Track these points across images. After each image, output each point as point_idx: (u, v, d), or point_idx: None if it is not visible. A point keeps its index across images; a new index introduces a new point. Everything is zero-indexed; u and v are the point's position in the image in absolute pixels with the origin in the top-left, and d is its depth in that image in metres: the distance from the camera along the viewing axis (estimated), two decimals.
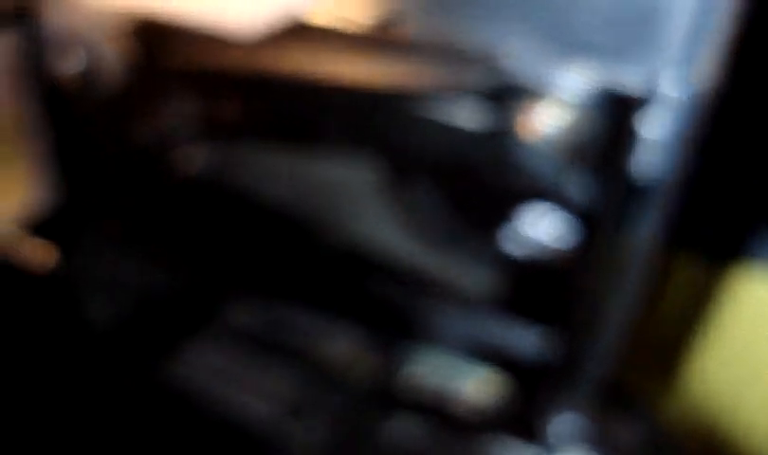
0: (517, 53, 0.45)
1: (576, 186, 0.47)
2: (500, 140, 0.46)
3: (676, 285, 0.74)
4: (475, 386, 0.70)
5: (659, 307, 0.76)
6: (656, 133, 0.45)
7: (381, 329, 0.73)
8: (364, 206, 0.58)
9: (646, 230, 0.49)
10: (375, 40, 0.50)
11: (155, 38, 0.56)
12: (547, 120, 0.43)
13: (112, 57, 0.55)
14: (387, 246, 0.60)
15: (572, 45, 0.44)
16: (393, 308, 0.68)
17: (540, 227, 0.52)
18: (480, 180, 0.50)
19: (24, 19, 0.56)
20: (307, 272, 0.72)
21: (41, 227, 0.64)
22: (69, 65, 0.57)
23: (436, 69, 0.48)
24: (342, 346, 0.76)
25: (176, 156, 0.65)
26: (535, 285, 0.57)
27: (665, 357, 0.80)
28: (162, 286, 0.83)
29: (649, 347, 0.79)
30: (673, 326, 0.77)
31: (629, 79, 0.43)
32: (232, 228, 0.73)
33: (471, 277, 0.59)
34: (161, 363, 0.81)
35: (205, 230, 0.76)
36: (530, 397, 0.65)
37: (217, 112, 0.62)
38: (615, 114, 0.44)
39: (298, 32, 0.50)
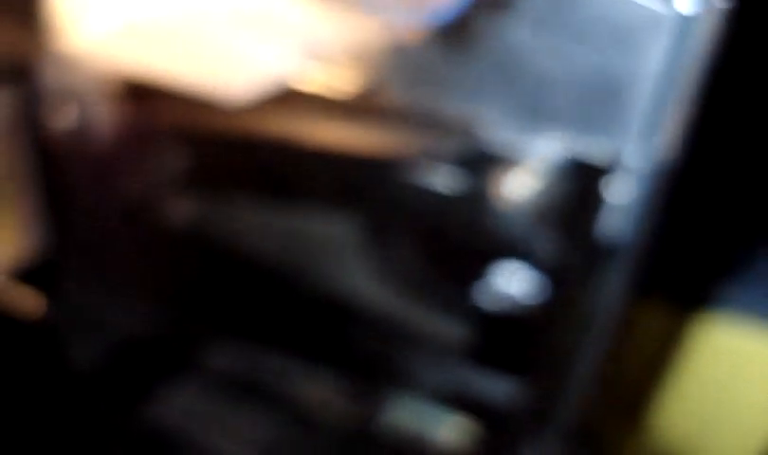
0: (491, 124, 0.48)
1: (546, 246, 0.50)
2: (473, 204, 0.49)
3: (643, 331, 0.77)
4: (448, 432, 0.72)
5: (626, 353, 0.79)
6: (620, 198, 0.48)
7: (358, 375, 0.76)
8: (343, 259, 0.61)
9: (611, 289, 0.52)
10: (357, 107, 0.53)
11: (146, 98, 0.58)
12: (518, 187, 0.46)
13: (103, 114, 0.57)
14: (364, 297, 0.63)
15: (542, 117, 0.47)
16: (370, 355, 0.70)
17: (511, 284, 0.55)
18: (454, 240, 0.53)
19: (20, 76, 0.58)
20: (286, 319, 0.74)
21: (29, 275, 0.65)
22: (62, 121, 0.59)
23: (414, 136, 0.51)
24: (319, 391, 0.78)
25: (162, 209, 0.67)
26: (505, 337, 0.59)
27: (632, 402, 0.83)
28: (144, 331, 0.85)
29: (617, 392, 0.82)
30: (640, 371, 0.80)
31: (595, 149, 0.46)
32: (215, 277, 0.75)
33: (445, 328, 0.61)
34: (142, 406, 0.83)
35: (188, 279, 0.78)
36: (501, 444, 0.68)
37: (203, 170, 0.64)
38: (582, 181, 0.47)
39: (284, 98, 0.52)
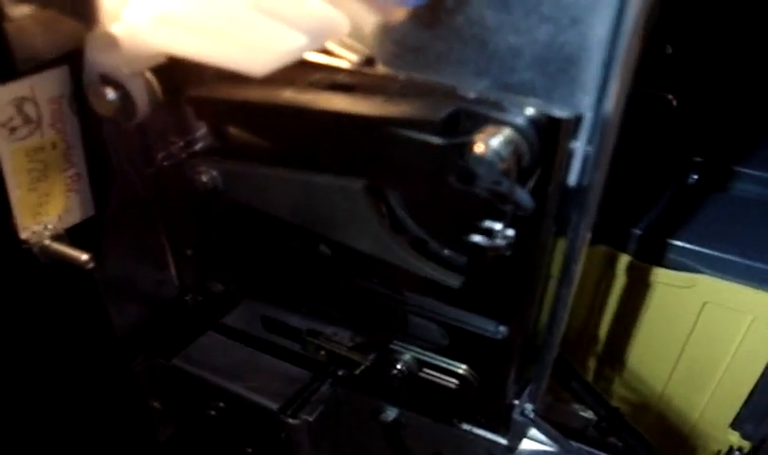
0: (473, 90, 0.57)
1: (519, 191, 0.59)
2: (459, 154, 0.58)
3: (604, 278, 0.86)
4: (447, 373, 0.81)
5: (594, 299, 0.88)
6: (580, 147, 0.57)
7: (365, 325, 0.85)
8: (353, 213, 0.70)
9: (577, 226, 0.61)
10: (360, 74, 0.62)
11: (178, 74, 0.68)
12: (494, 139, 0.56)
13: (142, 90, 0.67)
14: (367, 246, 0.72)
15: (515, 84, 0.56)
16: (378, 306, 0.79)
17: (493, 227, 0.64)
18: (445, 189, 0.62)
19: (71, 56, 0.67)
20: (301, 275, 0.84)
21: (78, 234, 0.74)
22: (106, 96, 0.68)
23: (408, 101, 0.60)
24: (333, 340, 0.87)
25: (192, 174, 0.76)
26: (488, 278, 0.68)
27: (602, 342, 0.92)
28: (174, 290, 0.95)
29: (589, 333, 0.91)
30: (605, 315, 0.89)
31: (558, 107, 0.56)
32: (236, 234, 0.85)
33: (436, 271, 0.71)
34: (173, 356, 0.92)
35: (213, 237, 0.88)
36: (492, 382, 0.77)
37: (228, 133, 0.74)
38: (549, 133, 0.56)
39: (298, 67, 0.62)
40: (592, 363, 0.92)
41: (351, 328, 0.85)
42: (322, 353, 0.86)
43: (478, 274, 0.68)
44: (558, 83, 0.55)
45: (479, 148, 0.55)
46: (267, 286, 0.89)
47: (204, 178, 0.75)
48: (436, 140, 0.58)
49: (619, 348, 0.89)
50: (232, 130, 0.73)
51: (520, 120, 0.55)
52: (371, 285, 0.77)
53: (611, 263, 0.83)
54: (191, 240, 0.90)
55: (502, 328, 0.72)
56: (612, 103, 0.54)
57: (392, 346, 0.82)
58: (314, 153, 0.67)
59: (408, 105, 0.59)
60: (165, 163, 0.78)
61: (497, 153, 0.54)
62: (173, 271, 0.92)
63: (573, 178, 0.58)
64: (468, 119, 0.57)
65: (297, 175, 0.70)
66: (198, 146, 0.76)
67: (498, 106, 0.56)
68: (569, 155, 0.57)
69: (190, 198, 0.79)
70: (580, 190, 0.59)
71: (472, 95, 0.57)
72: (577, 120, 0.55)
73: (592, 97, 0.54)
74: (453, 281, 0.69)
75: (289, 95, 0.64)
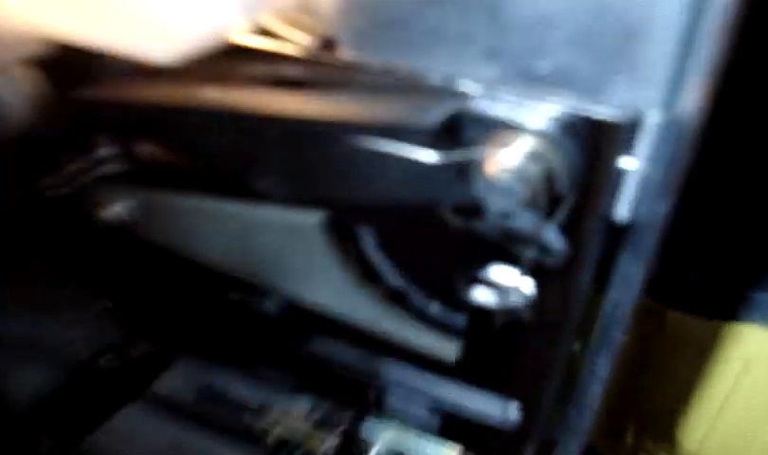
0: (479, 82, 0.39)
1: (546, 229, 0.41)
2: (459, 176, 0.40)
3: (667, 343, 0.68)
4: None
5: (652, 368, 0.70)
6: (638, 165, 0.39)
7: (333, 399, 0.66)
8: (308, 258, 0.51)
9: (627, 278, 0.43)
10: (315, 64, 0.44)
11: (68, 66, 0.49)
12: (513, 153, 0.37)
13: (13, 88, 0.48)
14: (327, 301, 0.54)
15: (542, 72, 0.38)
16: (345, 376, 0.61)
17: (504, 278, 0.46)
18: (437, 224, 0.44)
19: None
20: (245, 334, 0.65)
21: None
22: None
23: (385, 99, 0.42)
24: (289, 418, 0.69)
25: (92, 206, 0.57)
26: (498, 346, 0.50)
27: (663, 417, 0.74)
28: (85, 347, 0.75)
29: (647, 406, 0.73)
30: (666, 388, 0.71)
31: (606, 105, 0.38)
32: (157, 283, 0.65)
33: (425, 337, 0.52)
34: (84, 437, 0.73)
35: (131, 285, 0.68)
36: None
37: (139, 151, 0.55)
38: (591, 144, 0.38)
39: (226, 56, 0.43)
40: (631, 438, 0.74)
41: (310, 401, 0.66)
42: (273, 433, 0.68)
43: (482, 342, 0.50)
44: (609, 70, 0.37)
45: (492, 167, 0.37)
46: (202, 348, 0.70)
47: (107, 212, 0.56)
48: (427, 156, 0.40)
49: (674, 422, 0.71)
50: (143, 146, 0.54)
51: (550, 126, 0.37)
52: (334, 351, 0.58)
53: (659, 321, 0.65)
54: (102, 288, 0.70)
55: (511, 412, 0.53)
56: (690, 102, 0.36)
57: (362, 425, 0.63)
58: (254, 175, 0.48)
59: (384, 106, 0.41)
60: (58, 190, 0.58)
61: (519, 174, 0.36)
62: (82, 328, 0.72)
63: (623, 211, 0.40)
64: (473, 126, 0.39)
65: (231, 208, 0.52)
66: (101, 169, 0.57)
67: (517, 106, 0.38)
68: (618, 177, 0.39)
69: (95, 235, 0.60)
70: (633, 228, 0.41)
71: (478, 89, 0.38)
72: (634, 126, 0.37)
73: (659, 92, 0.36)
74: (446, 351, 0.51)
75: (218, 95, 0.45)
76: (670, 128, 0.37)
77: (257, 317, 0.62)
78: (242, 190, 0.50)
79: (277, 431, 0.68)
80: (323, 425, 0.66)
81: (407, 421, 0.61)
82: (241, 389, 0.71)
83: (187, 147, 0.50)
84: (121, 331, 0.74)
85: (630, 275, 0.43)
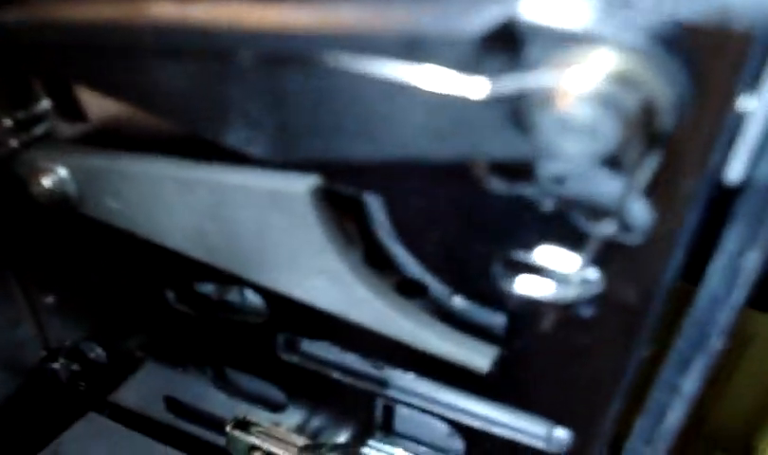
0: None
1: (627, 191, 0.29)
2: (510, 114, 0.28)
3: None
4: None
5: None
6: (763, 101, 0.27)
7: (322, 414, 0.54)
8: (296, 238, 0.39)
9: (733, 264, 0.31)
10: None
11: None
12: (594, 75, 0.25)
13: None
14: (331, 300, 0.42)
15: None
16: (346, 386, 0.49)
17: (559, 262, 0.34)
18: (469, 188, 0.32)
19: None
20: (220, 335, 0.52)
21: None
22: None
23: (410, 4, 0.30)
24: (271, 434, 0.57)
25: (27, 175, 0.45)
26: (546, 354, 0.38)
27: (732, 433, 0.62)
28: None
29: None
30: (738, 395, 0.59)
31: (721, 7, 0.25)
32: (109, 274, 0.53)
33: (446, 341, 0.40)
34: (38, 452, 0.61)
35: (82, 276, 0.56)
36: None
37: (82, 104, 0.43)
38: (705, 63, 0.26)
39: None
40: None
41: (300, 417, 0.54)
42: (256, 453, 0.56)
43: (524, 349, 0.38)
44: None
45: (564, 97, 0.24)
46: (170, 352, 0.57)
47: (45, 182, 0.44)
48: (468, 86, 0.28)
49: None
50: (82, 90, 0.41)
51: (646, 38, 0.25)
52: (331, 354, 0.46)
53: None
54: (49, 281, 0.58)
55: (557, 441, 0.41)
56: None
57: (366, 447, 0.52)
58: (224, 125, 0.36)
59: (400, 9, 0.29)
60: None
61: (607, 102, 0.24)
62: (32, 328, 0.63)
63: (737, 169, 0.28)
64: (536, 37, 0.27)
65: (196, 173, 0.40)
66: (38, 128, 0.45)
67: (597, 8, 0.26)
68: (737, 120, 0.27)
69: (34, 214, 0.48)
70: (749, 193, 0.29)
71: None
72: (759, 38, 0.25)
73: None
74: (478, 359, 0.39)
75: (172, 7, 0.33)
76: None
77: (234, 314, 0.50)
78: (210, 152, 0.38)
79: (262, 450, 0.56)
80: (318, 444, 0.54)
81: (419, 445, 0.50)
82: (216, 401, 0.59)
83: (135, 87, 0.37)
84: (74, 331, 0.62)
85: (740, 259, 0.31)
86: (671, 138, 0.28)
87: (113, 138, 0.44)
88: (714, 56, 0.26)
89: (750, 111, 0.27)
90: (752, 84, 0.27)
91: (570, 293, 0.34)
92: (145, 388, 0.63)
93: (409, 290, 0.41)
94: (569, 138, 0.26)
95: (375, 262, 0.40)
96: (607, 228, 0.30)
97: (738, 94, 0.27)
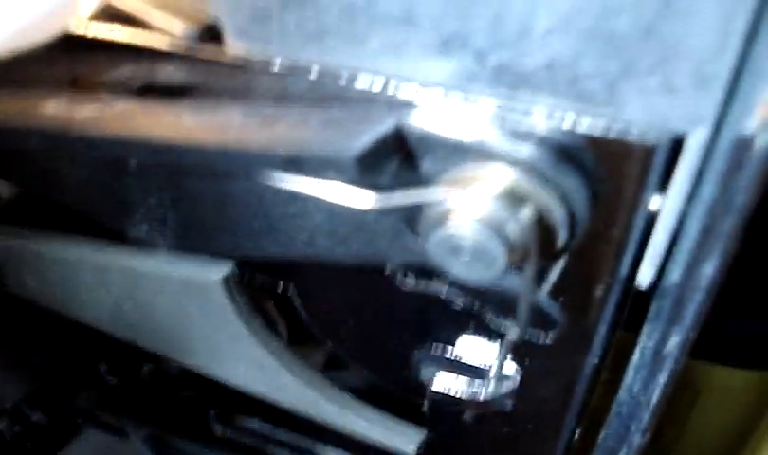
0: (429, 82, 0.25)
1: (525, 299, 0.27)
2: (406, 225, 0.26)
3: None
4: None
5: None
6: (673, 207, 0.25)
7: None
8: (208, 322, 0.37)
9: (650, 364, 0.30)
10: (196, 62, 0.30)
11: None
12: (484, 195, 0.24)
13: None
14: (251, 382, 0.40)
15: (525, 68, 0.24)
16: None
17: (477, 358, 0.32)
18: (383, 285, 0.30)
19: None
20: (157, 403, 0.51)
21: None
22: None
23: (295, 114, 0.28)
24: None
25: None
26: (471, 442, 0.37)
27: None
28: None
29: None
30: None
31: (631, 118, 0.24)
32: (41, 340, 0.51)
33: (379, 431, 0.38)
34: None
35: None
36: None
37: None
38: (606, 175, 0.25)
39: (68, 52, 0.29)
40: None
41: None
42: None
43: (449, 436, 0.36)
44: (629, 68, 0.23)
45: (453, 215, 0.23)
46: (107, 415, 0.55)
47: None
48: (357, 199, 0.26)
49: None
50: None
51: (538, 151, 0.23)
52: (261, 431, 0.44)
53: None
54: None
55: None
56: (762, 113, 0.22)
57: None
58: (127, 219, 0.34)
59: (294, 125, 0.27)
60: None
61: (493, 226, 0.23)
62: None
63: (647, 274, 0.27)
64: (423, 152, 0.25)
65: (110, 258, 0.38)
66: None
67: (487, 121, 0.24)
68: (643, 226, 0.26)
69: None
70: (662, 297, 0.27)
71: (427, 96, 0.25)
72: (675, 149, 0.23)
73: (716, 94, 0.22)
74: (404, 444, 0.37)
75: (62, 110, 0.31)
76: (730, 152, 0.23)
77: (166, 385, 0.48)
78: (120, 234, 0.36)
79: None
80: None
81: None
82: None
83: (31, 180, 0.35)
84: (16, 392, 0.60)
85: (657, 357, 0.29)
86: (579, 246, 0.26)
87: (24, 217, 0.42)
88: (618, 166, 0.25)
89: (659, 215, 0.26)
90: (658, 190, 0.25)
91: (488, 389, 0.33)
92: (87, 451, 0.61)
93: (339, 364, 0.39)
94: (457, 259, 0.24)
95: (302, 338, 0.39)
96: (514, 332, 0.29)
97: (643, 202, 0.25)
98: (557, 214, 0.25)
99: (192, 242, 0.33)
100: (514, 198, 0.24)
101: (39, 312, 0.47)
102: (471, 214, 0.24)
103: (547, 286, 0.27)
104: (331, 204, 0.27)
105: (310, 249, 0.30)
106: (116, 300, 0.40)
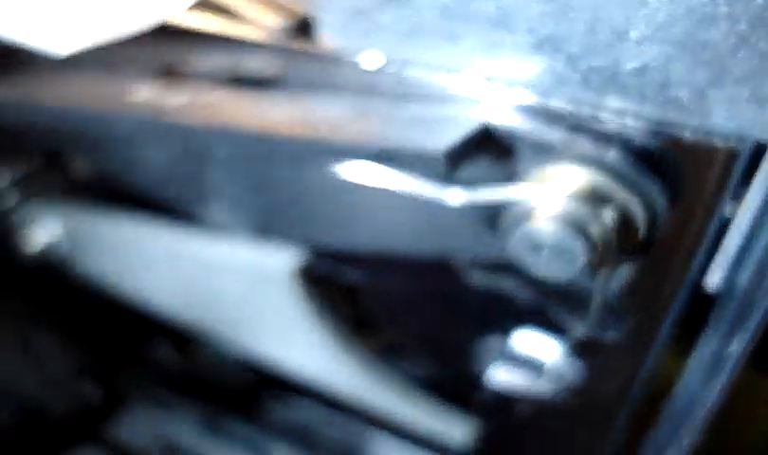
0: (519, 81, 0.26)
1: (599, 298, 0.28)
2: (488, 224, 0.27)
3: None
4: None
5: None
6: (749, 215, 0.26)
7: None
8: (273, 314, 0.38)
9: (711, 362, 0.30)
10: (287, 54, 0.30)
11: None
12: (568, 195, 0.24)
13: None
14: (311, 372, 0.40)
15: (620, 72, 0.24)
16: (328, 448, 0.47)
17: (537, 353, 0.33)
18: (452, 279, 0.31)
19: None
20: (207, 385, 0.51)
21: None
22: None
23: (382, 108, 0.28)
24: None
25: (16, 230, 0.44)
26: (523, 439, 0.37)
27: None
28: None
29: None
30: None
31: (716, 124, 0.24)
32: (96, 320, 0.52)
33: (435, 422, 0.39)
34: None
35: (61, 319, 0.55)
36: None
37: (62, 168, 0.41)
38: (690, 178, 0.25)
39: (163, 42, 0.30)
40: None
41: None
42: None
43: (501, 431, 0.37)
44: (718, 77, 0.23)
45: (537, 215, 0.23)
46: (159, 394, 0.56)
47: (31, 242, 0.43)
48: (444, 195, 0.26)
49: None
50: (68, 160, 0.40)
51: (623, 155, 0.24)
52: (312, 419, 0.45)
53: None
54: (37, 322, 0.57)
55: None
56: None
57: None
58: (205, 204, 0.35)
59: (381, 119, 0.28)
60: None
61: (576, 226, 0.23)
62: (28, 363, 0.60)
63: (716, 277, 0.27)
64: (510, 152, 0.26)
65: (178, 242, 0.38)
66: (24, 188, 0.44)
67: (574, 122, 0.24)
68: (718, 231, 0.26)
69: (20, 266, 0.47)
70: (728, 299, 0.28)
71: (517, 96, 0.25)
72: (758, 154, 0.23)
73: None
74: (451, 433, 0.38)
75: (154, 98, 0.32)
76: None
77: (219, 368, 0.49)
78: (197, 220, 0.37)
79: None
80: None
81: None
82: (207, 444, 0.58)
83: (113, 164, 0.36)
84: (69, 368, 0.61)
85: (719, 358, 0.30)
86: (653, 246, 0.27)
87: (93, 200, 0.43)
88: (700, 170, 0.25)
89: (733, 220, 0.26)
90: (734, 196, 0.26)
91: (547, 384, 0.33)
92: (136, 426, 0.61)
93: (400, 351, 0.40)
94: (538, 256, 0.25)
95: (365, 324, 0.39)
96: (581, 328, 0.29)
97: (720, 207, 0.26)
98: (638, 216, 0.25)
99: (269, 229, 0.34)
100: (597, 198, 0.24)
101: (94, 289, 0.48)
102: (554, 213, 0.24)
103: (619, 285, 0.28)
104: (413, 199, 0.28)
105: (387, 243, 0.30)
106: (184, 285, 0.41)
